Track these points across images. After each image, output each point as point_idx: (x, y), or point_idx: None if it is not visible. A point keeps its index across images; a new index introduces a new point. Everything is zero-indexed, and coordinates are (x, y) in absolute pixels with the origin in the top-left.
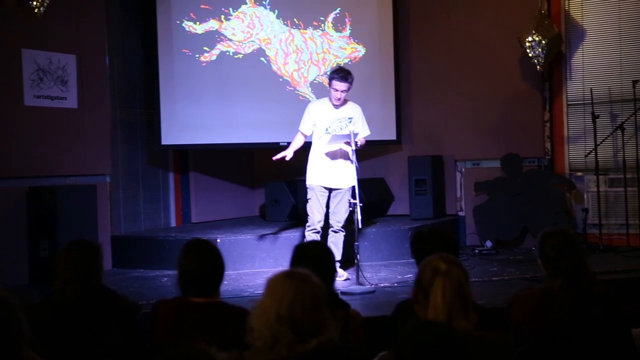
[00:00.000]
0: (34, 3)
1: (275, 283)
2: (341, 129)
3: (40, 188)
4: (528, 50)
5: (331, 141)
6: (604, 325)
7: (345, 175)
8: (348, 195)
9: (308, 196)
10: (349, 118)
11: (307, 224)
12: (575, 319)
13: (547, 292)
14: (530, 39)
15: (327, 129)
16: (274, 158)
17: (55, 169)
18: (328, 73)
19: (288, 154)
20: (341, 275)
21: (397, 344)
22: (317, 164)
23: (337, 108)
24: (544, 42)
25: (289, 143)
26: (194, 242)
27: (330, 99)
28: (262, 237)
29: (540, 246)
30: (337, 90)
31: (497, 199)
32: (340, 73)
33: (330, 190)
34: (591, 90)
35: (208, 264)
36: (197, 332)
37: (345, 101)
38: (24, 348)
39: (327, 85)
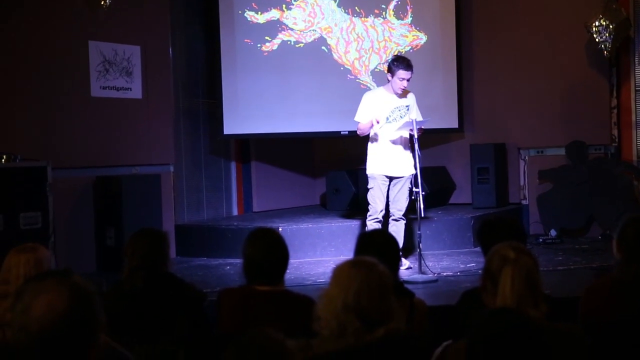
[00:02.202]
0: None
1: (342, 271)
2: (401, 117)
3: (107, 178)
4: (595, 36)
5: (400, 128)
6: None
7: (406, 163)
8: (409, 183)
9: (370, 185)
10: (407, 106)
11: (369, 213)
12: None
13: (620, 281)
14: (597, 23)
15: (387, 118)
16: (377, 120)
17: (120, 159)
18: (389, 62)
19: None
20: (403, 263)
21: (470, 332)
22: (379, 153)
23: (398, 97)
24: (611, 26)
25: (350, 132)
26: (259, 231)
27: (392, 88)
28: (324, 226)
29: (621, 228)
30: (403, 79)
31: (562, 188)
32: (405, 61)
33: (391, 178)
34: None
35: (273, 253)
36: (263, 320)
37: None
38: (101, 334)
39: (389, 74)
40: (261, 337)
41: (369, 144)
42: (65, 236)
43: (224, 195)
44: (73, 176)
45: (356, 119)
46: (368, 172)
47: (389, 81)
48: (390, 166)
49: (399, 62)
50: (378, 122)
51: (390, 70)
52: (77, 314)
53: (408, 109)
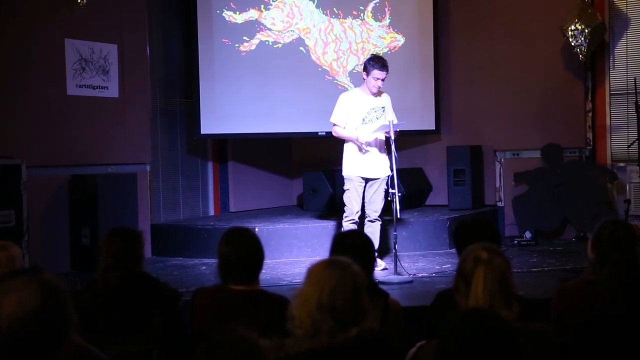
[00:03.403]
0: None
1: (316, 271)
2: (377, 118)
3: (82, 176)
4: (570, 39)
5: (377, 130)
6: None
7: (382, 165)
8: (385, 185)
9: (346, 187)
10: (382, 107)
11: (345, 214)
12: (621, 310)
13: (592, 282)
14: (572, 27)
15: (363, 119)
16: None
17: (96, 158)
18: (365, 60)
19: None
20: (379, 264)
21: (442, 332)
22: (355, 155)
23: (375, 96)
24: (586, 30)
25: (327, 132)
26: (234, 230)
27: (368, 88)
28: (300, 226)
29: (598, 230)
30: (377, 79)
31: (537, 190)
32: (380, 61)
33: (367, 180)
34: (635, 79)
35: (248, 252)
36: (238, 320)
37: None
38: (72, 333)
39: (365, 72)
40: (233, 336)
41: (345, 145)
42: (40, 235)
43: (201, 195)
44: (48, 175)
45: (332, 120)
46: (344, 173)
47: (364, 80)
48: (366, 168)
49: (375, 61)
50: (363, 143)
51: (366, 69)
52: (47, 312)
53: (384, 110)
